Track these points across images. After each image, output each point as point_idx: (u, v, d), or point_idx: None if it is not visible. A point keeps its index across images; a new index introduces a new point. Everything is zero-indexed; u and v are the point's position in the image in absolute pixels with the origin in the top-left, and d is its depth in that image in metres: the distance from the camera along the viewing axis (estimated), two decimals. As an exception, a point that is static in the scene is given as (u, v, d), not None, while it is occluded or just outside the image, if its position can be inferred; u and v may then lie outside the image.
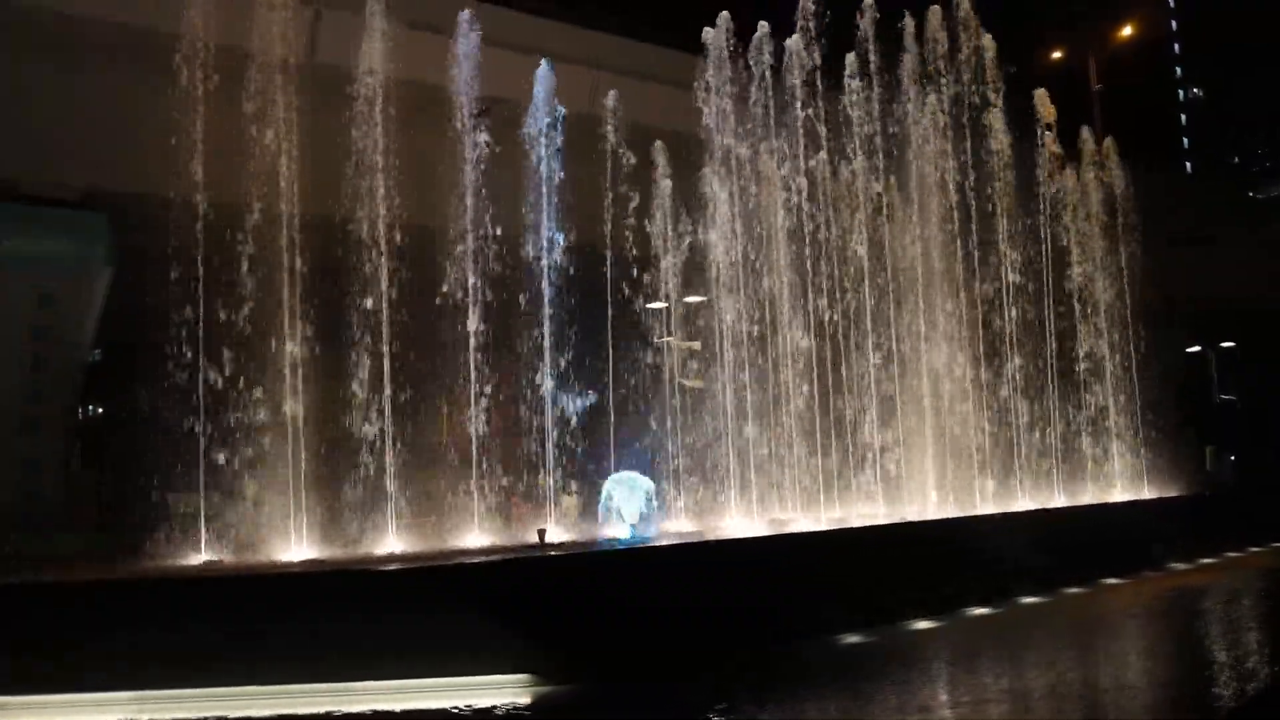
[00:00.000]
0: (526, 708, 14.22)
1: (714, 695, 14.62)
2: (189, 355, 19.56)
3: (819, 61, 27.44)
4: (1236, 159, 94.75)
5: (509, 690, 14.51)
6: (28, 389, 29.24)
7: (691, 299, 27.69)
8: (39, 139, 25.99)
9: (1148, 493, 33.96)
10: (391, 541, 19.95)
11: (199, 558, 18.67)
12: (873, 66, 28.93)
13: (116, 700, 14.03)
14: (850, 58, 28.66)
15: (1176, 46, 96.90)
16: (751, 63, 26.88)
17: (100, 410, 35.72)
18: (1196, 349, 52.04)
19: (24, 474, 28.43)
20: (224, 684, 14.04)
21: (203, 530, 19.08)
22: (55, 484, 29.33)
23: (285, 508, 19.73)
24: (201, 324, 19.51)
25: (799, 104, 27.30)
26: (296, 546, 19.18)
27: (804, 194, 27.54)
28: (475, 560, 17.26)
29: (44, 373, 29.76)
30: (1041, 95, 33.21)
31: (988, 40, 31.38)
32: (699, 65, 26.33)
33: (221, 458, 19.77)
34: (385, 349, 21.18)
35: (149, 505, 21.18)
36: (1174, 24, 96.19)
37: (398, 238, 21.57)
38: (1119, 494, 33.23)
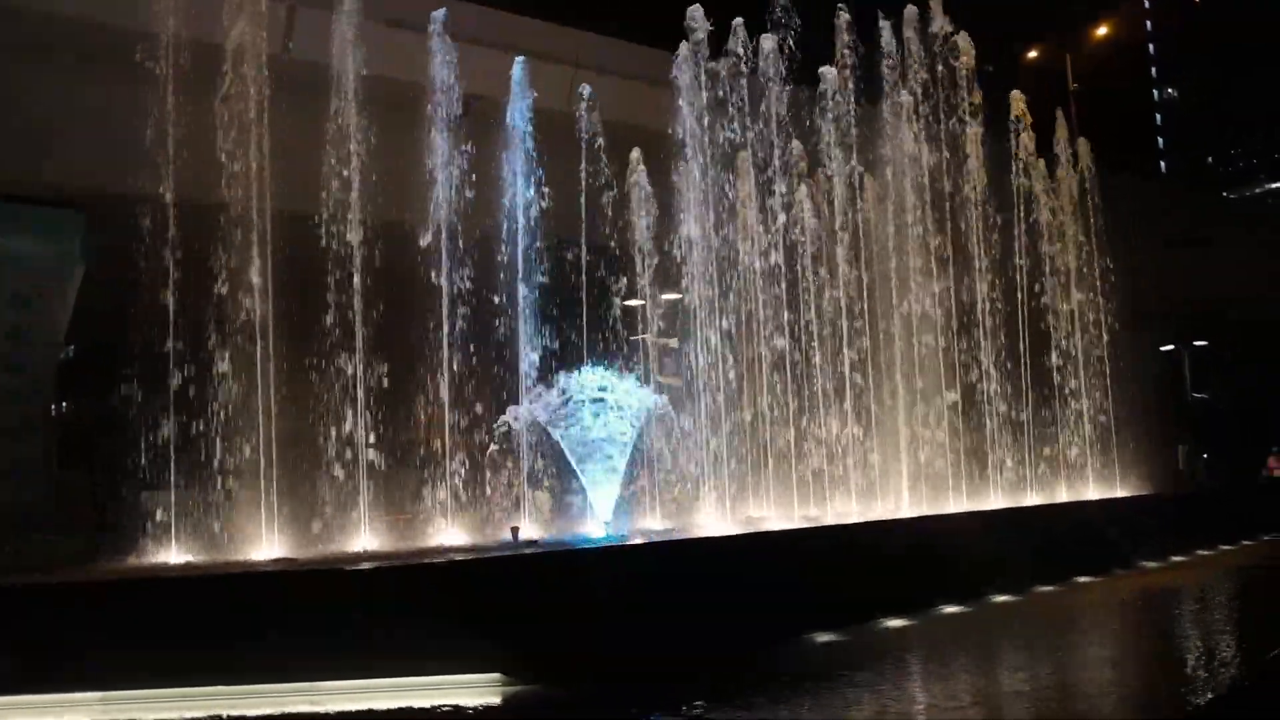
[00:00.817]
0: (496, 708, 14.23)
1: (685, 695, 14.60)
2: (163, 354, 19.54)
3: (791, 60, 27.56)
4: (1211, 159, 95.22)
5: (479, 690, 14.47)
6: (8, 390, 29.12)
7: (668, 296, 27.75)
8: (15, 137, 25.88)
9: (1121, 491, 34.14)
10: (365, 540, 19.95)
11: (171, 557, 18.63)
12: (848, 63, 29.07)
13: (84, 701, 13.98)
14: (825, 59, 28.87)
15: (1152, 47, 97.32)
16: (726, 61, 26.95)
17: (76, 410, 35.57)
18: (1170, 348, 52.33)
19: (18, 476, 28.31)
20: (191, 685, 13.99)
21: (173, 530, 19.04)
22: (46, 485, 29.22)
23: (258, 506, 19.72)
24: (173, 323, 19.49)
25: (772, 103, 27.38)
26: (269, 545, 19.16)
27: (779, 190, 27.66)
28: (445, 559, 17.22)
29: (23, 374, 29.65)
30: (1016, 96, 33.35)
31: (964, 40, 31.54)
32: (673, 62, 26.34)
33: (195, 457, 19.75)
34: (360, 346, 21.18)
35: (124, 505, 21.15)
36: (1149, 24, 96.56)
37: (374, 235, 21.56)
38: (1092, 493, 33.40)
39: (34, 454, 29.24)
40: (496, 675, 14.72)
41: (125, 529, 20.00)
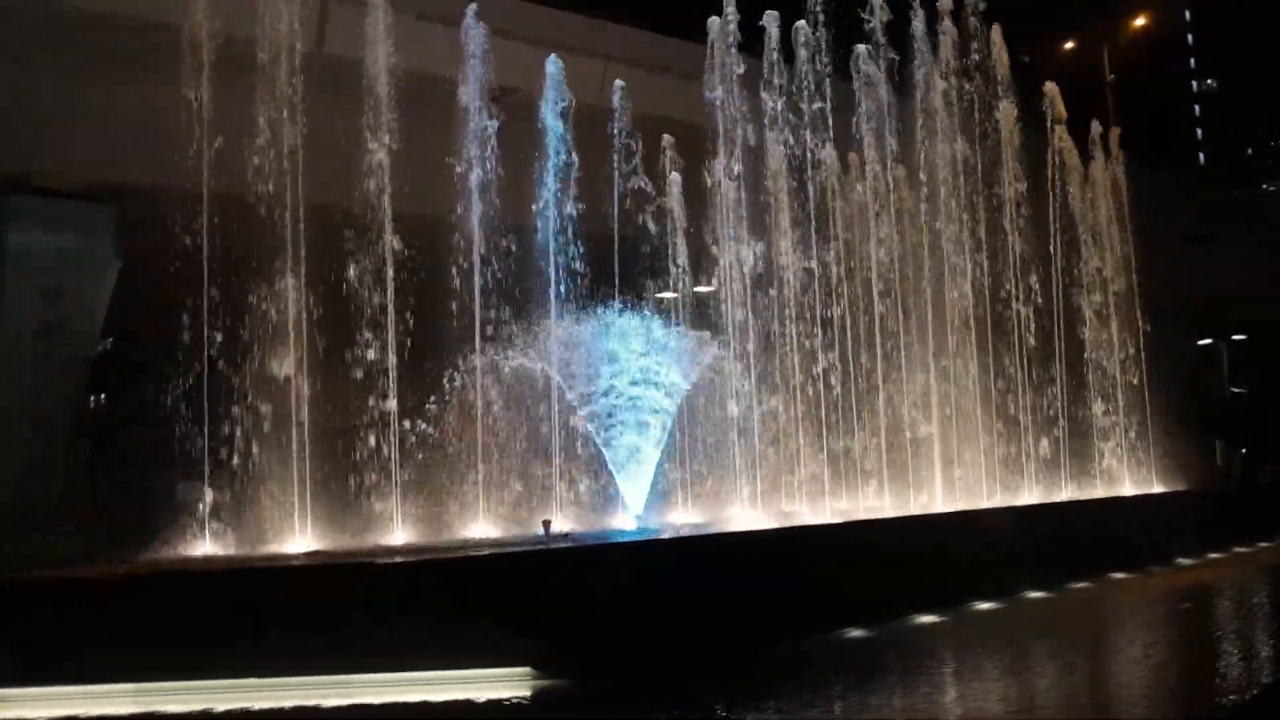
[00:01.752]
0: (526, 701, 14.19)
1: (716, 691, 14.54)
2: (193, 348, 19.62)
3: (826, 50, 27.44)
4: (1250, 150, 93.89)
5: (508, 684, 14.43)
6: (34, 385, 29.16)
7: (701, 289, 27.62)
8: (48, 133, 26.03)
9: (1157, 487, 33.80)
10: (396, 532, 19.97)
11: (202, 550, 18.71)
12: (881, 55, 28.90)
13: (118, 692, 14.08)
14: (859, 48, 28.71)
15: (1190, 38, 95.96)
16: (761, 50, 26.86)
17: (107, 404, 35.73)
18: (1208, 341, 51.82)
19: (27, 472, 28.32)
20: (223, 676, 14.07)
21: (206, 522, 19.12)
22: (60, 481, 29.25)
23: (289, 498, 19.79)
24: (205, 316, 19.57)
25: (805, 94, 27.23)
26: (300, 537, 19.21)
27: (812, 184, 27.52)
28: (474, 554, 17.17)
29: (51, 369, 29.66)
30: (1051, 89, 33.01)
31: (996, 33, 31.28)
32: (705, 53, 26.25)
33: (225, 449, 19.84)
34: (391, 339, 21.22)
35: (155, 497, 21.26)
36: (1188, 14, 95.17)
37: (404, 227, 21.61)
38: (1128, 489, 33.08)
39: (57, 450, 29.28)
40: (526, 669, 14.65)
41: (159, 520, 20.07)
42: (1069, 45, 54.45)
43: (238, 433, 19.94)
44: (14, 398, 28.48)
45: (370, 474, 21.23)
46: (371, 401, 21.39)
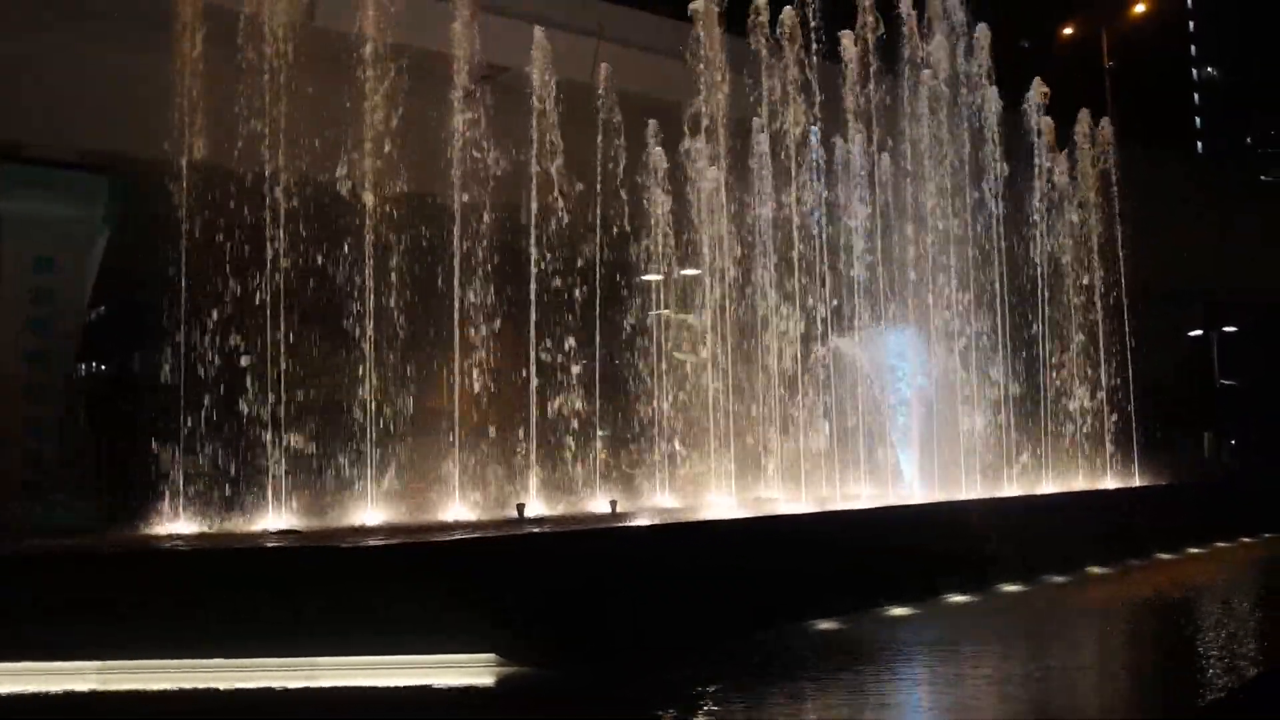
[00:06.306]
0: (490, 688, 14.25)
1: (681, 681, 14.52)
2: (180, 318, 19.69)
3: (812, 32, 27.39)
4: (1250, 140, 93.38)
5: (473, 670, 14.48)
6: (28, 352, 29.41)
7: (687, 272, 27.63)
8: (41, 102, 26.03)
9: (1138, 480, 33.72)
10: (371, 512, 20.05)
11: (183, 525, 18.80)
12: (869, 37, 28.82)
13: (83, 670, 14.14)
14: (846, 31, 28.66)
15: (1192, 24, 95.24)
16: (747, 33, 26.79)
17: (99, 372, 35.87)
18: (1199, 333, 51.76)
19: (28, 438, 28.61)
20: (189, 656, 14.11)
21: (181, 497, 19.20)
22: (56, 449, 29.47)
23: (266, 475, 19.87)
24: (185, 287, 19.61)
25: (790, 77, 27.16)
26: (275, 515, 19.29)
27: (796, 168, 27.50)
28: (441, 538, 17.17)
29: (44, 336, 29.92)
30: (1037, 81, 32.79)
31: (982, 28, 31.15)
32: (689, 32, 26.18)
33: (206, 424, 19.91)
34: (373, 315, 21.27)
35: (140, 471, 21.37)
36: (1189, 2, 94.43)
37: (391, 203, 21.63)
38: (1110, 481, 33.02)
39: (54, 415, 29.54)
40: (490, 655, 14.72)
41: (141, 495, 20.18)
42: (1068, 31, 54.19)
43: (218, 407, 20.02)
44: (11, 364, 28.76)
45: (352, 449, 21.32)
46: (352, 379, 21.46)
